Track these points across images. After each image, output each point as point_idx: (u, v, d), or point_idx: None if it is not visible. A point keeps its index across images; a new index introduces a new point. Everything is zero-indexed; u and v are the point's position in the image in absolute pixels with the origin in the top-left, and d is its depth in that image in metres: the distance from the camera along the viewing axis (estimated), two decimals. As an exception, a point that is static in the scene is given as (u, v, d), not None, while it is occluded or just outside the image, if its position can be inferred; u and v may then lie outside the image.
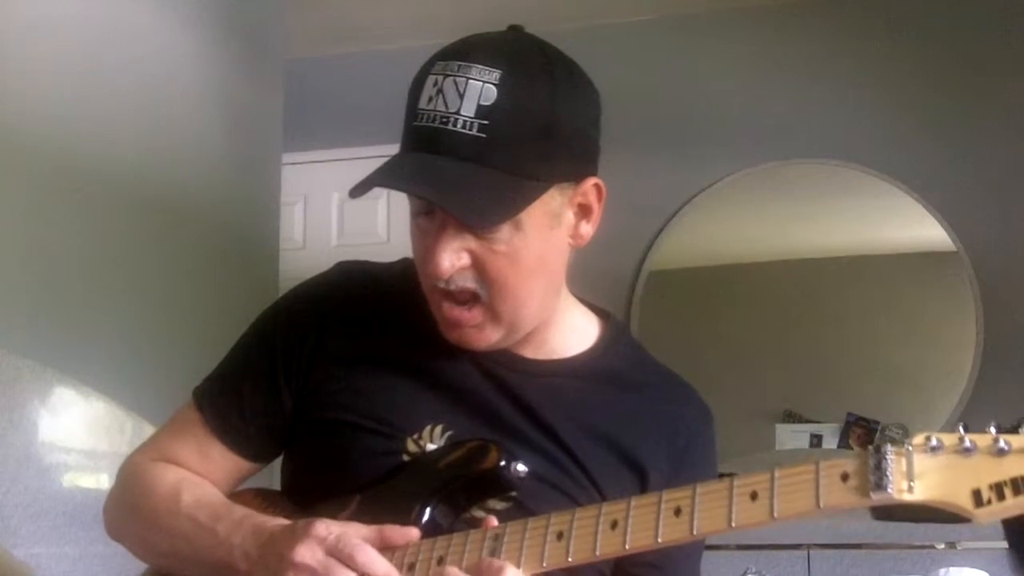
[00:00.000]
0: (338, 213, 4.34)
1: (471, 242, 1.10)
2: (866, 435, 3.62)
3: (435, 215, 1.10)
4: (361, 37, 4.11)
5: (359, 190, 1.08)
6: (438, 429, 1.16)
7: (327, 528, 1.04)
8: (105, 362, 2.47)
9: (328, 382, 1.21)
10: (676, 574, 1.23)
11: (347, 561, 1.02)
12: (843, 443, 3.64)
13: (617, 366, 1.24)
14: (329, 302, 1.26)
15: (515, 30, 1.18)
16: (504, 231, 1.09)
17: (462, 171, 1.06)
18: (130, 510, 1.28)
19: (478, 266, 1.11)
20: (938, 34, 3.78)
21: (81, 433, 2.35)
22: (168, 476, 1.24)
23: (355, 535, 1.04)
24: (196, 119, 3.05)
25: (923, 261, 3.75)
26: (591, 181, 1.16)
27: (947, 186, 3.68)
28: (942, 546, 3.02)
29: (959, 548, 3.00)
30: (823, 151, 3.82)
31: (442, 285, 1.11)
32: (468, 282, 1.11)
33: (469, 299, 1.13)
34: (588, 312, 1.29)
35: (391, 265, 1.31)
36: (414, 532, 1.07)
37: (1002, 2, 3.71)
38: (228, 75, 3.21)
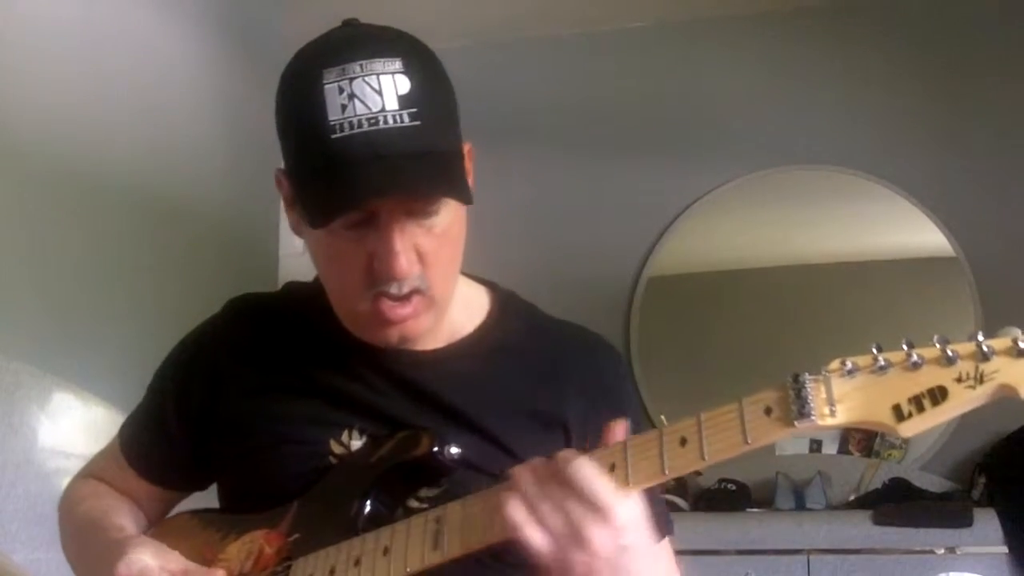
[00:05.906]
0: (337, 218, 4.32)
1: (417, 236, 1.08)
2: (866, 440, 3.62)
3: (376, 223, 1.06)
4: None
5: (332, 216, 1.04)
6: (355, 432, 1.16)
7: (128, 567, 1.08)
8: (104, 368, 2.47)
9: (238, 416, 1.21)
10: None
11: None
12: (843, 448, 3.64)
13: (513, 333, 1.23)
14: (222, 342, 1.27)
15: (352, 25, 1.14)
16: (441, 212, 1.08)
17: (418, 163, 1.03)
18: (64, 530, 1.36)
19: (422, 257, 1.09)
20: (937, 40, 3.78)
21: (80, 438, 2.34)
22: (84, 489, 1.35)
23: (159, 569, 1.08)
24: (196, 124, 3.05)
25: (922, 266, 3.75)
26: (467, 143, 1.16)
27: (946, 192, 3.69)
28: (942, 551, 3.01)
29: (959, 553, 3.00)
30: (822, 157, 3.82)
31: (395, 290, 1.08)
32: (415, 280, 1.09)
33: (407, 295, 1.10)
34: (474, 283, 1.28)
35: (277, 293, 1.32)
36: (219, 573, 1.09)
37: (999, 8, 3.72)
38: (228, 78, 3.22)
